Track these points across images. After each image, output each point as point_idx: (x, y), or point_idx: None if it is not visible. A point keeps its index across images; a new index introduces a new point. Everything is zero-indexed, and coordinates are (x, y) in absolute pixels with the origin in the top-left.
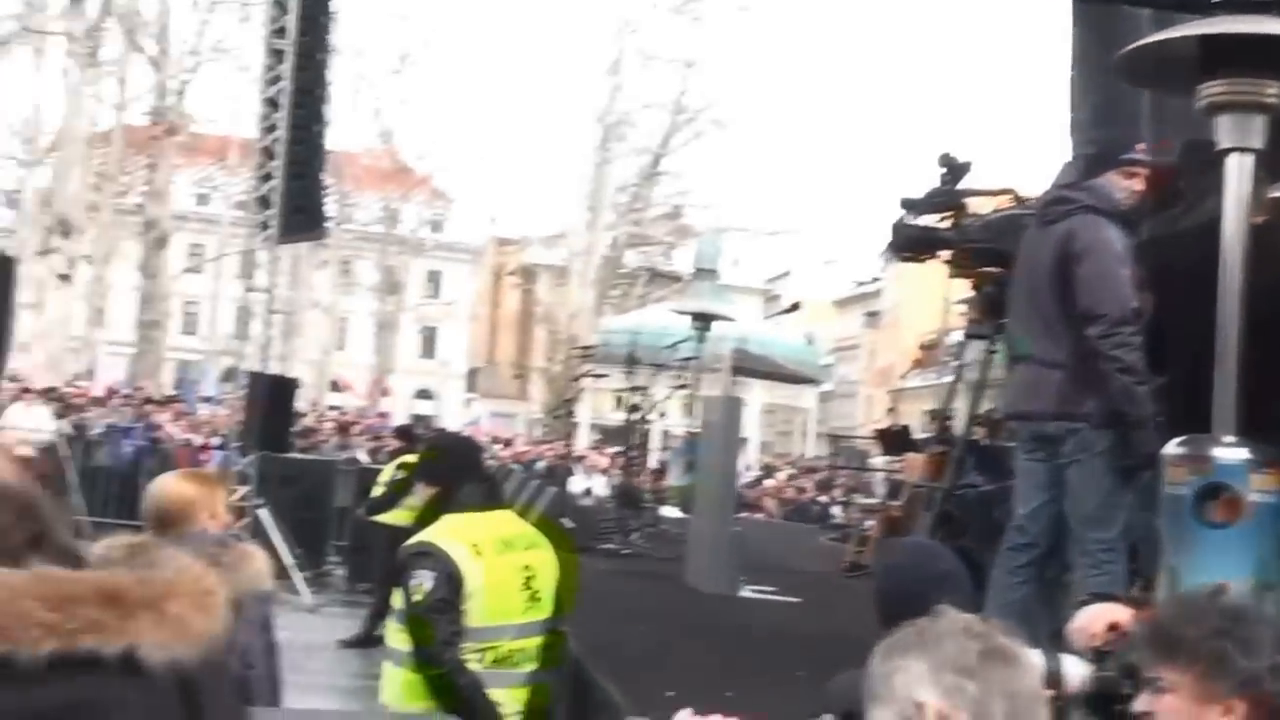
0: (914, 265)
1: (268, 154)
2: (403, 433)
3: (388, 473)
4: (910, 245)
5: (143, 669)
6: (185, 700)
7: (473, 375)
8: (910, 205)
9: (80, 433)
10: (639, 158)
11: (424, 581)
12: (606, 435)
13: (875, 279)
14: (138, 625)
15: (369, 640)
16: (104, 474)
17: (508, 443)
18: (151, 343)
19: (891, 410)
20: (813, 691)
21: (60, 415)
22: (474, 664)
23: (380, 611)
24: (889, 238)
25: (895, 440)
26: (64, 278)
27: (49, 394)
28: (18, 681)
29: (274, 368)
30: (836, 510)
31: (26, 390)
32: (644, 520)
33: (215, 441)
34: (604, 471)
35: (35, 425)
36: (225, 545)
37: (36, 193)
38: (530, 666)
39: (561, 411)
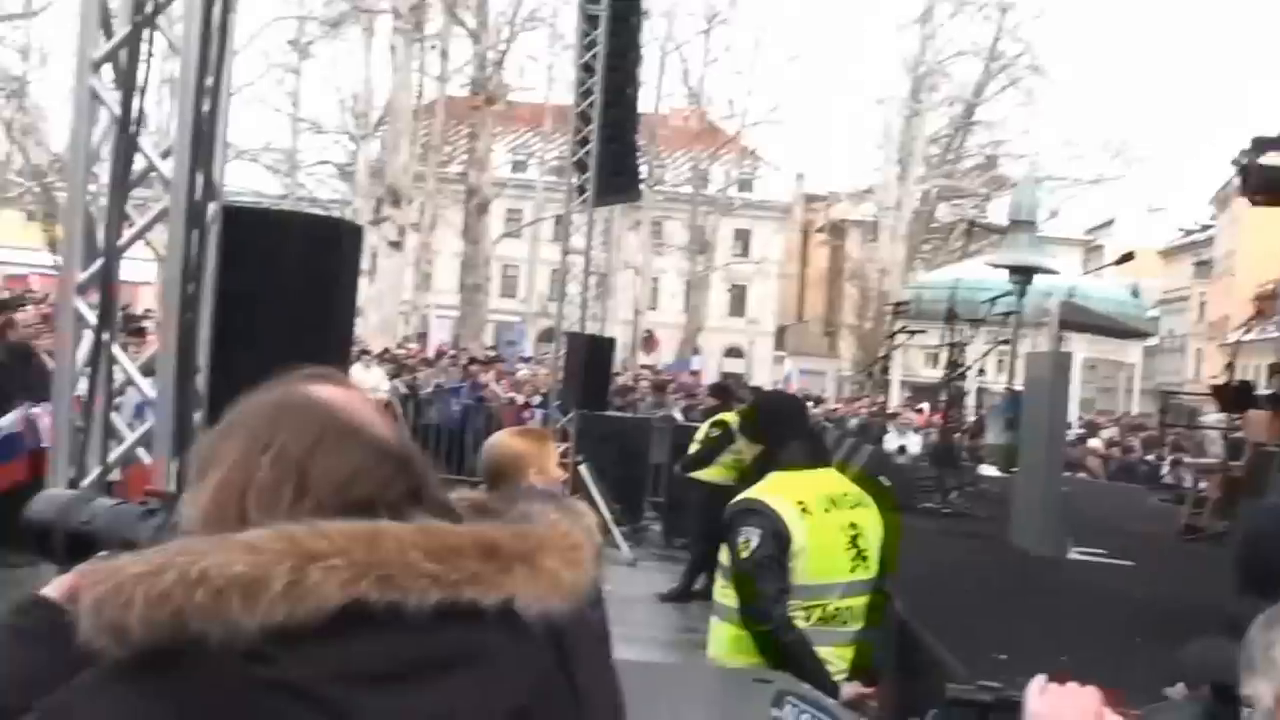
0: (1250, 210)
1: (584, 119)
2: (717, 390)
3: (703, 430)
4: (1268, 187)
5: (519, 621)
6: (557, 651)
7: (782, 333)
8: (1267, 145)
9: (412, 392)
10: (951, 108)
11: (750, 538)
12: (917, 392)
13: (1205, 226)
14: (514, 579)
15: (686, 594)
16: (434, 431)
17: (818, 400)
18: (474, 305)
19: (1228, 365)
20: (1154, 659)
21: (394, 375)
22: (800, 621)
23: (696, 566)
24: (1239, 180)
25: (1235, 397)
26: (394, 245)
27: (383, 356)
28: (407, 629)
29: (590, 328)
30: (1165, 470)
31: (365, 352)
32: (963, 479)
33: (536, 400)
34: (917, 429)
35: (373, 385)
36: (554, 500)
37: (367, 164)
38: (856, 625)
39: (874, 368)
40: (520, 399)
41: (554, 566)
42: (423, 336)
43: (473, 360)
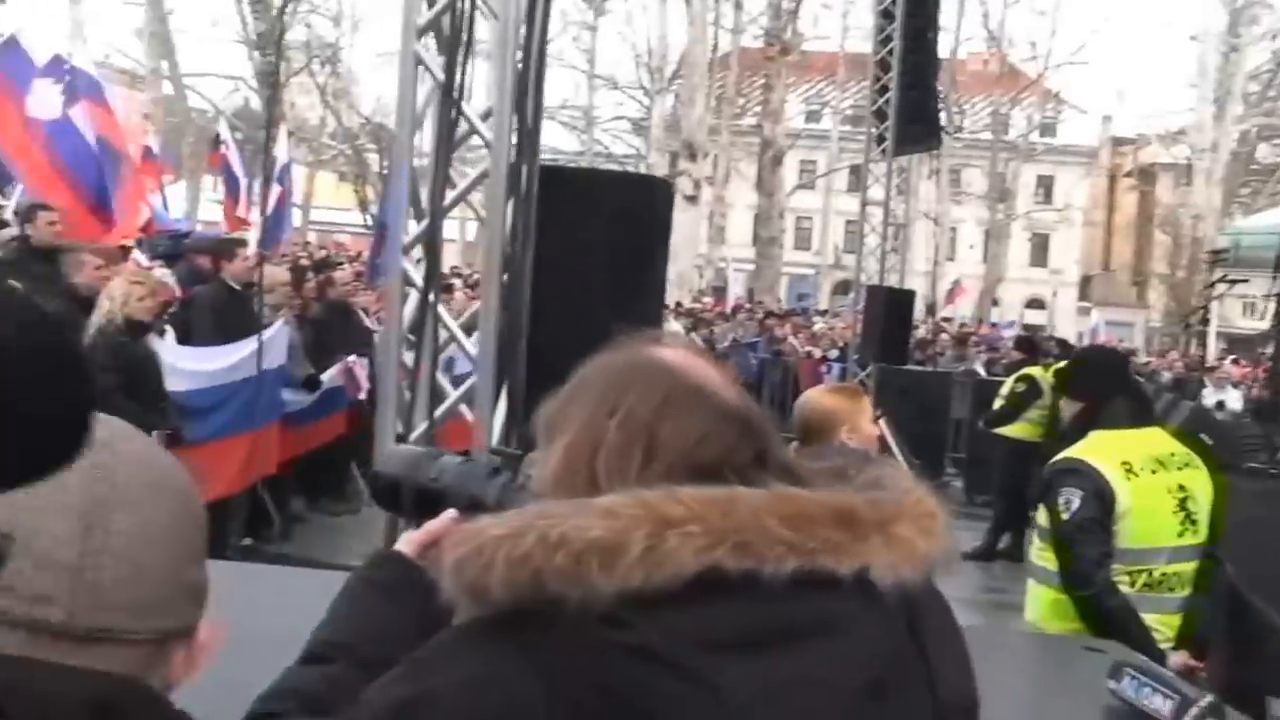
0: None
1: (883, 66)
2: (1023, 344)
3: (1008, 385)
4: None
5: (874, 591)
6: (910, 622)
7: (1086, 283)
8: None
9: (709, 346)
10: (1273, 42)
11: (1071, 499)
12: (1233, 344)
13: None
14: (869, 547)
15: (990, 553)
16: None
17: (1130, 353)
18: (769, 259)
19: None
20: None
21: (690, 330)
22: (1124, 587)
23: (1000, 524)
24: None
25: None
26: (690, 199)
27: (679, 309)
28: (763, 597)
29: (888, 280)
30: None
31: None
32: None
33: (834, 354)
34: (1236, 384)
35: None
36: (869, 460)
37: (662, 119)
38: (1184, 592)
39: (1192, 319)
40: (818, 353)
41: (910, 536)
42: (718, 290)
43: (769, 314)
